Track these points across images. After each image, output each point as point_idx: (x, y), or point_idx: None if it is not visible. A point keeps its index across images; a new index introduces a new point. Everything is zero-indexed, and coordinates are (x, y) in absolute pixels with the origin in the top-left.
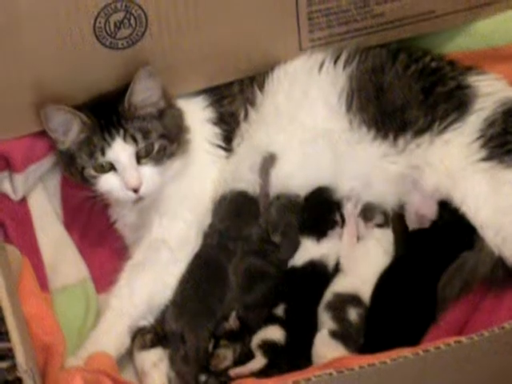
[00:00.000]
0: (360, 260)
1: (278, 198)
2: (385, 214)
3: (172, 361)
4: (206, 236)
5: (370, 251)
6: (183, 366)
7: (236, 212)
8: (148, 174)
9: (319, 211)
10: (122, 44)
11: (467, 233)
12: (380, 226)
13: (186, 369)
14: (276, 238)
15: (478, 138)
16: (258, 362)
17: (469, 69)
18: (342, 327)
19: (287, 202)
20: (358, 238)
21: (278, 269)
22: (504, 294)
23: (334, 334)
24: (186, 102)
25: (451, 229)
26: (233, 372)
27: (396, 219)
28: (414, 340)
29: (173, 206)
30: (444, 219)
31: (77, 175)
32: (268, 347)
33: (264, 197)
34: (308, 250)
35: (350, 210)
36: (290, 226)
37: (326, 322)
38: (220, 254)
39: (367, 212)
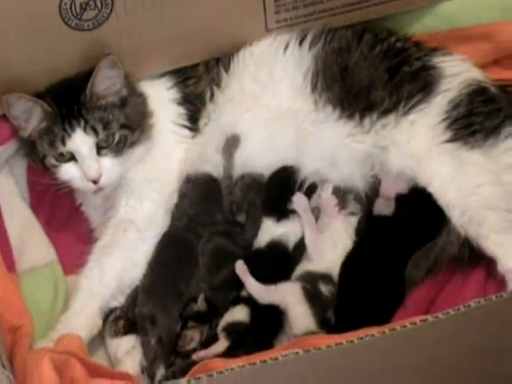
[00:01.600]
0: (327, 251)
1: (242, 177)
2: (358, 200)
3: (144, 345)
4: (175, 218)
5: (337, 243)
6: (157, 349)
7: (204, 196)
8: (108, 165)
9: (282, 192)
10: (88, 25)
11: (437, 222)
12: (353, 213)
13: (159, 352)
14: (240, 218)
15: (444, 120)
16: (221, 344)
17: (434, 49)
18: (314, 290)
19: (251, 182)
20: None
21: (244, 250)
22: (470, 274)
23: (305, 290)
24: (150, 83)
25: (420, 219)
26: (196, 356)
27: None
28: (382, 321)
29: (139, 187)
30: (411, 208)
31: (38, 163)
32: (231, 329)
33: (227, 178)
34: (268, 229)
35: (301, 204)
36: (253, 205)
37: (298, 283)
38: (190, 234)
39: (340, 199)
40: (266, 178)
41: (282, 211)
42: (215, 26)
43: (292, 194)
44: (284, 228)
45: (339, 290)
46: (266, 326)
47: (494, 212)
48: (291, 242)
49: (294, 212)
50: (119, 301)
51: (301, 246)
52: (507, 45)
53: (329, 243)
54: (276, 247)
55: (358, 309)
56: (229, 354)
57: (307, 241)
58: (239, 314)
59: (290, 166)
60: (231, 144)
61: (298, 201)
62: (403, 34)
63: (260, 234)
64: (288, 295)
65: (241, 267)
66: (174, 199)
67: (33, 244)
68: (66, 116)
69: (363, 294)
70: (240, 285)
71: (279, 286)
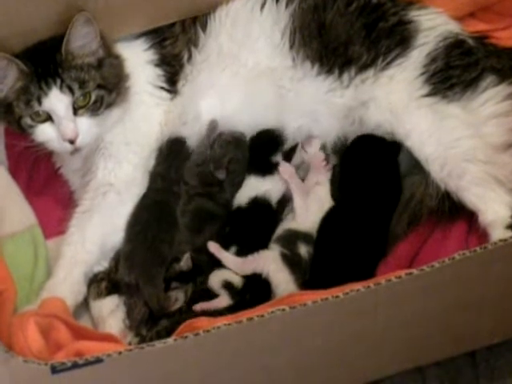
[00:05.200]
0: (313, 209)
1: (220, 135)
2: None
3: (130, 307)
4: (150, 181)
5: (322, 199)
6: (144, 312)
7: (170, 153)
8: (85, 125)
9: (265, 149)
10: None
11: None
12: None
13: (146, 314)
14: (220, 175)
15: (422, 74)
16: (224, 300)
17: (410, 3)
18: (293, 254)
19: (230, 138)
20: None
21: (225, 209)
22: (452, 227)
23: (284, 256)
24: (127, 45)
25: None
26: (199, 306)
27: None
28: (364, 276)
29: (117, 150)
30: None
31: (14, 124)
32: (232, 287)
33: (201, 154)
34: (252, 187)
35: (288, 172)
36: (233, 161)
37: (277, 248)
38: (168, 196)
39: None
40: (246, 135)
41: (266, 166)
42: None
43: (276, 151)
44: (267, 185)
45: (317, 246)
46: (259, 290)
47: (474, 165)
48: (274, 198)
49: (276, 167)
50: (103, 265)
51: (283, 202)
52: None
53: (316, 206)
54: (259, 204)
55: (335, 265)
56: (216, 312)
57: (296, 205)
58: (231, 276)
59: (272, 129)
60: (212, 130)
61: (284, 170)
62: None
63: (242, 191)
64: (268, 264)
65: (213, 245)
66: (153, 161)
67: (13, 208)
68: (41, 75)
69: (340, 249)
70: (224, 245)
71: (257, 256)
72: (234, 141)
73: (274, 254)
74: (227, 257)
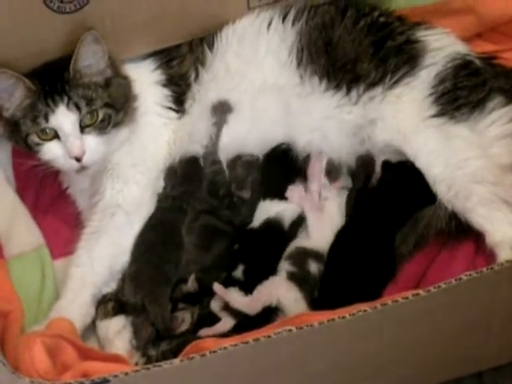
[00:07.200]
0: (324, 225)
1: (239, 157)
2: (351, 174)
3: (137, 328)
4: (160, 201)
5: (333, 216)
6: (151, 332)
7: (185, 177)
8: (92, 143)
9: (281, 173)
10: (70, 8)
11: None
12: (346, 188)
13: (153, 334)
14: (245, 194)
15: (430, 95)
16: (228, 323)
17: (417, 24)
18: (301, 271)
19: (253, 160)
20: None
21: (231, 226)
22: (459, 247)
23: (291, 276)
24: (135, 66)
25: (405, 186)
26: (203, 333)
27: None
28: (372, 297)
29: (125, 171)
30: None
31: (21, 143)
32: (233, 309)
33: (211, 153)
34: (265, 209)
35: (296, 196)
36: (255, 182)
37: (285, 267)
38: (175, 215)
39: (332, 173)
40: (260, 158)
41: (282, 189)
42: (197, 5)
43: (291, 170)
44: (281, 206)
45: (327, 266)
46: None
47: (481, 185)
48: (287, 219)
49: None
50: (111, 287)
51: (297, 223)
52: (489, 18)
53: (328, 224)
54: (271, 225)
55: (346, 285)
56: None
57: (310, 226)
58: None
59: (281, 144)
60: (222, 109)
61: (291, 194)
62: (385, 9)
63: (257, 214)
64: (276, 289)
65: (218, 287)
66: (161, 181)
67: (20, 229)
68: (49, 93)
69: (350, 270)
70: (231, 264)
71: (261, 288)
72: (255, 163)
73: (280, 278)
74: (235, 298)
